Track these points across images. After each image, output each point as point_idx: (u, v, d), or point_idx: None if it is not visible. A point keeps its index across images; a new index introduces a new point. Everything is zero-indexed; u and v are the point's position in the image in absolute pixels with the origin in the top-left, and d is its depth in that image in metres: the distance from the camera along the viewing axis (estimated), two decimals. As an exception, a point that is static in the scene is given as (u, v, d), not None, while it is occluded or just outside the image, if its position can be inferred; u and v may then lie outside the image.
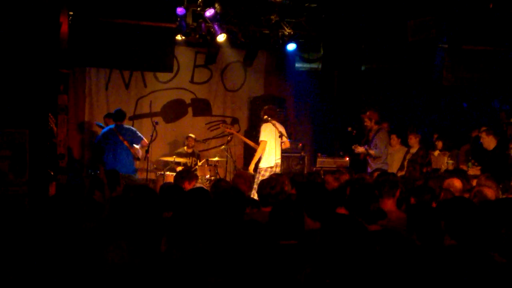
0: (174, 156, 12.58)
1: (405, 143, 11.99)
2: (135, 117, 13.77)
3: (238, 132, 14.37)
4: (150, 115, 13.13)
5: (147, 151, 11.09)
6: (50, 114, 7.93)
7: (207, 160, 12.79)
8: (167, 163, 12.65)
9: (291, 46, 13.02)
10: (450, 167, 11.22)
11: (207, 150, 14.23)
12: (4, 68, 7.24)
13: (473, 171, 10.23)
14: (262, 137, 10.57)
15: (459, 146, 11.99)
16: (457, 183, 7.25)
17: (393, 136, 12.14)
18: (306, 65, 14.74)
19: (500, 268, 3.75)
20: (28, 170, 7.00)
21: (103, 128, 11.93)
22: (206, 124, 14.45)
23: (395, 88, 14.31)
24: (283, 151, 10.97)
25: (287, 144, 10.70)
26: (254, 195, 8.26)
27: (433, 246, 4.36)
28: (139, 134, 11.41)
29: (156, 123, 11.76)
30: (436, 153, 12.08)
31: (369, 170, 11.47)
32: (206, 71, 14.51)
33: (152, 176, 12.35)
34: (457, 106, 13.68)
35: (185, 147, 13.19)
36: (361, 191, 5.37)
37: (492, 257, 3.91)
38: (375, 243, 3.86)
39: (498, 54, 11.89)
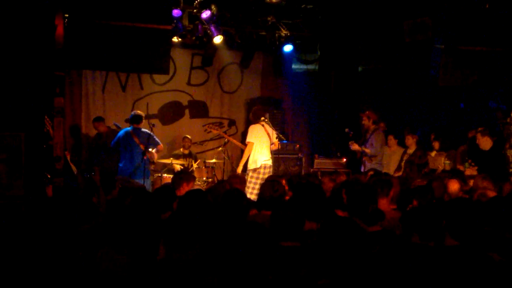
0: (171, 158, 12.57)
1: (402, 143, 11.99)
2: (132, 120, 13.73)
3: (235, 133, 14.38)
4: (147, 117, 13.08)
5: (143, 153, 11.03)
6: (46, 117, 7.92)
7: (204, 162, 12.78)
8: (164, 165, 12.64)
9: (288, 48, 12.99)
10: (447, 168, 11.22)
11: (204, 152, 14.21)
12: (-1, 71, 7.23)
13: (470, 171, 10.24)
14: (249, 138, 10.54)
15: (456, 147, 11.98)
16: (455, 185, 7.26)
17: (390, 137, 12.14)
18: (303, 66, 14.74)
19: (499, 268, 3.75)
20: (23, 173, 6.99)
21: (120, 128, 11.92)
22: (203, 126, 14.42)
23: (392, 88, 14.31)
24: (281, 152, 10.95)
25: (276, 145, 10.65)
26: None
27: (434, 246, 4.36)
28: (156, 138, 11.36)
29: (153, 125, 11.73)
30: (433, 153, 12.08)
31: (363, 169, 11.55)
32: (202, 73, 14.49)
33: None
34: (454, 107, 13.67)
35: (181, 149, 13.17)
36: (359, 193, 5.37)
37: (491, 257, 3.91)
38: (374, 244, 3.85)
39: (494, 55, 11.89)
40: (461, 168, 10.81)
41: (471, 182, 8.10)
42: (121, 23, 11.12)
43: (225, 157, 13.01)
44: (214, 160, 12.76)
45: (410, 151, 11.64)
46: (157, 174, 12.23)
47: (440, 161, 11.75)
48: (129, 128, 11.32)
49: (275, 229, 4.36)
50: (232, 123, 14.86)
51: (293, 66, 14.48)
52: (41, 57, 7.60)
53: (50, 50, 8.06)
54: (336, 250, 3.43)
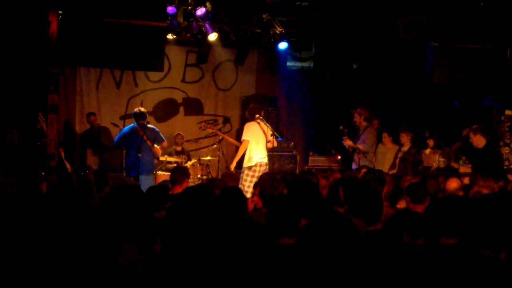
0: (166, 156, 12.55)
1: (396, 141, 11.99)
2: (126, 117, 13.71)
3: (229, 131, 14.37)
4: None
5: (138, 150, 11.03)
6: (40, 114, 7.89)
7: (199, 159, 12.77)
8: (158, 162, 12.62)
9: (283, 45, 13.00)
10: (442, 165, 11.24)
11: (199, 149, 14.19)
12: (-8, 68, 7.19)
13: (464, 169, 10.25)
14: (244, 136, 10.52)
15: (451, 144, 12.00)
16: (453, 183, 7.28)
17: (385, 135, 12.16)
18: (298, 64, 14.75)
19: (494, 265, 3.75)
20: (17, 170, 6.96)
21: (118, 127, 11.93)
22: (197, 123, 14.41)
23: (386, 86, 14.31)
24: (275, 150, 10.95)
25: (274, 143, 10.65)
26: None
27: (424, 245, 4.36)
28: (161, 135, 11.39)
29: (148, 122, 11.68)
30: (428, 151, 12.09)
31: (354, 166, 11.66)
32: (197, 70, 14.49)
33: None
34: (448, 104, 13.68)
35: (174, 145, 13.17)
36: (360, 192, 5.37)
37: (485, 254, 3.92)
38: (373, 242, 3.85)
39: (488, 53, 11.90)
40: (455, 165, 10.83)
41: (465, 180, 8.12)
42: (115, 20, 11.09)
43: (220, 155, 13.01)
44: (208, 158, 12.76)
45: (405, 148, 11.65)
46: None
47: (434, 159, 11.76)
48: (134, 125, 11.30)
49: (271, 226, 4.35)
50: (226, 120, 14.86)
51: (288, 64, 14.48)
52: (35, 54, 7.56)
53: (44, 47, 8.03)
54: (324, 246, 3.42)
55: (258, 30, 12.68)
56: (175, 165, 12.13)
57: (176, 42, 13.07)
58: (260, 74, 14.96)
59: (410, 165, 11.36)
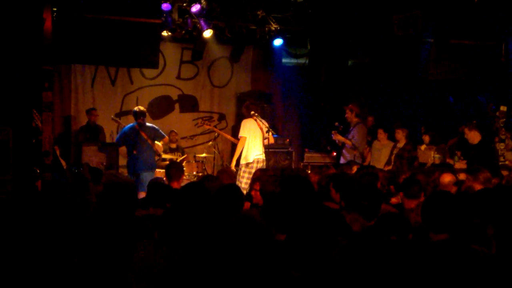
0: (162, 153, 12.54)
1: (392, 137, 12.01)
2: (121, 114, 13.70)
3: (225, 128, 14.36)
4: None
5: (133, 148, 11.05)
6: (35, 111, 7.87)
7: (194, 156, 12.76)
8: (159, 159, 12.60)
9: (278, 42, 13.01)
10: (437, 161, 11.25)
11: (194, 146, 14.19)
12: (-15, 66, 7.17)
13: (459, 165, 10.27)
14: (241, 133, 10.52)
15: (446, 141, 12.02)
16: (447, 178, 7.28)
17: (380, 131, 12.16)
18: (293, 60, 14.74)
19: (484, 260, 3.76)
20: (12, 168, 6.95)
21: (119, 122, 11.97)
22: (193, 120, 14.41)
23: (382, 82, 14.33)
24: (271, 147, 10.95)
25: (271, 139, 10.66)
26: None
27: (420, 241, 4.37)
28: (161, 132, 11.42)
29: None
30: (423, 147, 12.10)
31: (343, 161, 11.77)
32: (192, 67, 14.47)
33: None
34: (444, 101, 13.70)
35: (169, 143, 13.16)
36: (357, 188, 5.38)
37: (475, 249, 3.92)
38: (371, 239, 3.85)
39: (483, 48, 11.94)
40: (450, 161, 10.84)
41: (461, 176, 8.13)
42: (110, 17, 11.09)
43: (215, 151, 13.01)
44: (204, 155, 12.76)
45: (400, 145, 11.65)
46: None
47: (429, 155, 11.77)
48: (134, 123, 11.28)
49: (266, 222, 4.36)
50: (222, 117, 14.84)
51: (283, 60, 14.48)
52: (30, 51, 7.54)
53: (39, 44, 8.00)
54: (311, 241, 3.43)
55: (253, 27, 12.69)
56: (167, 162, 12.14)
57: (171, 39, 13.05)
58: (256, 71, 14.94)
59: (406, 161, 11.38)
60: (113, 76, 13.73)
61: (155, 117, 14.04)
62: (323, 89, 14.45)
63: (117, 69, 13.67)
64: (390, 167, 11.33)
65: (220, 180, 6.97)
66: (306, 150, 13.40)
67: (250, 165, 10.38)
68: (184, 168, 11.86)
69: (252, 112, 10.53)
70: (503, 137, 10.66)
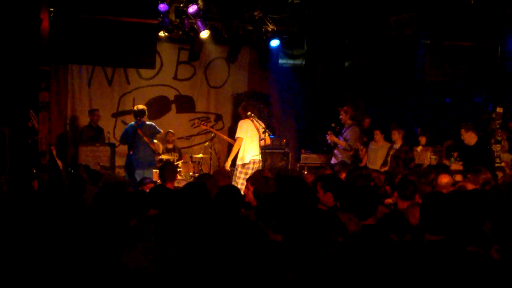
0: (161, 153, 12.56)
1: (388, 138, 12.02)
2: (118, 114, 13.71)
3: (221, 128, 14.36)
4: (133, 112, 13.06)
5: (130, 147, 11.12)
6: (31, 111, 7.88)
7: (191, 157, 12.76)
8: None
9: (275, 42, 13.01)
10: (433, 162, 11.26)
11: (191, 146, 14.19)
12: (-17, 66, 7.18)
13: (456, 166, 10.28)
14: (238, 133, 10.53)
15: (442, 142, 12.04)
16: (445, 179, 7.30)
17: (377, 132, 12.16)
18: (290, 61, 14.75)
19: (480, 261, 3.77)
20: (8, 168, 6.95)
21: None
22: (189, 120, 14.41)
23: (378, 83, 14.34)
24: (267, 147, 10.96)
25: (267, 140, 10.67)
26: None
27: (416, 241, 4.38)
28: (158, 128, 11.59)
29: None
30: (419, 148, 12.11)
31: (334, 161, 11.92)
32: (189, 68, 14.47)
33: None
34: (440, 102, 13.71)
35: (165, 143, 13.17)
36: (352, 188, 5.38)
37: (471, 251, 3.93)
38: (367, 238, 3.86)
39: (480, 50, 11.95)
40: (446, 162, 10.85)
41: (457, 177, 8.16)
42: (107, 17, 11.08)
43: (212, 152, 13.00)
44: (200, 155, 12.74)
45: (396, 146, 11.66)
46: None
47: (426, 156, 11.78)
48: (133, 123, 11.64)
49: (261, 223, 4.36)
50: (219, 117, 14.85)
51: (280, 61, 14.47)
52: (27, 51, 7.56)
53: (36, 44, 8.01)
54: (305, 242, 3.43)
55: (250, 28, 12.69)
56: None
57: (168, 39, 13.06)
58: (252, 72, 14.95)
59: (402, 162, 11.38)
60: (110, 76, 13.72)
61: (151, 117, 13.99)
62: (320, 90, 14.47)
63: (114, 69, 13.67)
64: (386, 168, 11.33)
65: (216, 181, 6.97)
66: (303, 151, 13.42)
67: (246, 166, 10.39)
68: (181, 169, 11.91)
69: (249, 113, 10.54)
70: (499, 138, 10.67)
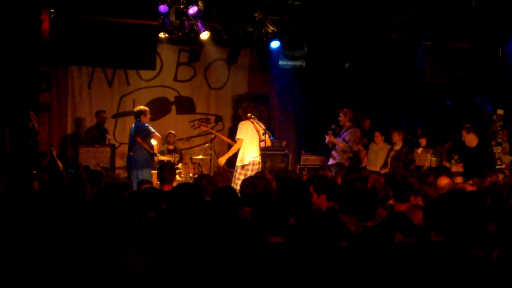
0: (158, 155, 12.54)
1: (388, 140, 12.02)
2: (118, 115, 13.71)
3: (221, 130, 14.36)
4: (133, 113, 13.06)
5: (130, 148, 11.15)
6: (32, 112, 7.87)
7: (191, 158, 12.76)
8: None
9: (275, 44, 13.01)
10: (433, 164, 11.27)
11: (191, 148, 14.18)
12: (-17, 66, 7.17)
13: (456, 168, 10.28)
14: (238, 135, 10.53)
15: (443, 143, 12.04)
16: (444, 181, 7.30)
17: (377, 134, 12.17)
18: (290, 63, 14.72)
19: (482, 263, 3.77)
20: (9, 169, 6.94)
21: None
22: (189, 122, 14.41)
23: (378, 85, 14.35)
24: (267, 149, 10.96)
25: (268, 142, 10.67)
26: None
27: (420, 242, 4.38)
28: (151, 129, 11.62)
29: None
30: (420, 150, 12.12)
31: (331, 162, 12.01)
32: (189, 69, 14.47)
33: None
34: (441, 104, 13.72)
35: (166, 144, 13.18)
36: (353, 191, 5.39)
37: (474, 253, 3.93)
38: (368, 240, 3.85)
39: (481, 52, 11.94)
40: (447, 164, 10.86)
41: (457, 179, 8.16)
42: (107, 19, 11.07)
43: (212, 153, 12.99)
44: (200, 156, 12.73)
45: (397, 147, 11.66)
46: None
47: (426, 158, 11.79)
48: (134, 124, 11.75)
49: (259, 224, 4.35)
50: (219, 119, 14.85)
51: (280, 63, 14.45)
52: (27, 52, 7.55)
53: (36, 45, 8.01)
54: (310, 245, 3.42)
55: (250, 29, 12.69)
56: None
57: (168, 40, 13.06)
58: (252, 73, 14.96)
59: (402, 164, 11.39)
60: (110, 77, 13.73)
61: (151, 118, 13.94)
62: (320, 91, 14.47)
63: (114, 70, 13.68)
64: (386, 170, 11.34)
65: (215, 182, 6.97)
66: (303, 152, 13.42)
67: (245, 167, 10.38)
68: (181, 170, 11.91)
69: (249, 114, 10.54)
70: (500, 140, 10.68)
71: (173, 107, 14.47)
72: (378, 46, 12.98)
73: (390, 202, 6.93)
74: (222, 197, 5.47)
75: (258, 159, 10.53)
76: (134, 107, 13.04)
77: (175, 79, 14.42)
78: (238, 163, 10.50)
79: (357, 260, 3.34)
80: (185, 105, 14.58)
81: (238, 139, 10.51)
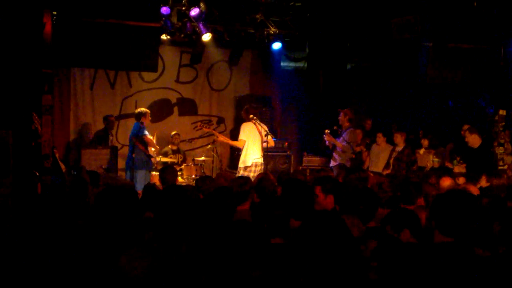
0: (160, 156, 12.56)
1: (390, 141, 12.03)
2: (120, 117, 13.72)
3: (224, 131, 14.36)
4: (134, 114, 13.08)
5: (132, 149, 11.16)
6: (34, 114, 7.88)
7: (193, 160, 12.77)
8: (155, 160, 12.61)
9: (277, 45, 13.01)
10: (436, 165, 11.28)
11: (193, 149, 14.20)
12: (-13, 69, 7.19)
13: (459, 169, 10.28)
14: (241, 136, 10.56)
15: (445, 144, 12.04)
16: (447, 181, 7.31)
17: (379, 135, 12.19)
18: (292, 64, 14.74)
19: (485, 263, 3.77)
20: (11, 171, 6.95)
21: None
22: (191, 123, 14.42)
23: (380, 86, 14.35)
24: (269, 150, 10.97)
25: (271, 143, 10.68)
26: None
27: (424, 243, 4.38)
28: (141, 131, 11.55)
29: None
30: (422, 151, 12.12)
31: (332, 163, 11.89)
32: (191, 71, 14.48)
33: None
34: (443, 104, 13.72)
35: (170, 145, 13.19)
36: (355, 192, 5.39)
37: (479, 253, 3.93)
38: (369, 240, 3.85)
39: (482, 52, 11.94)
40: (449, 165, 10.86)
41: (460, 180, 8.16)
42: (109, 21, 11.10)
43: (214, 155, 13.01)
44: (203, 158, 12.75)
45: (399, 148, 11.67)
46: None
47: (428, 159, 11.80)
48: None
49: (259, 226, 4.35)
50: (221, 120, 14.86)
51: (282, 64, 14.47)
52: (29, 54, 7.57)
53: (38, 47, 8.02)
54: (318, 247, 3.43)
55: (252, 31, 12.69)
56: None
57: (170, 42, 13.06)
58: (254, 75, 14.97)
59: (404, 165, 11.39)
60: (112, 79, 13.74)
61: (153, 120, 13.99)
62: (322, 92, 14.48)
63: (116, 72, 13.68)
64: (388, 171, 11.35)
65: (217, 184, 6.97)
66: (305, 153, 13.43)
67: (248, 169, 10.40)
68: (183, 171, 11.92)
69: (251, 116, 10.55)
70: (502, 141, 10.68)
71: (175, 109, 14.48)
72: (380, 47, 12.99)
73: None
74: (218, 198, 5.46)
75: (261, 160, 10.54)
76: (136, 109, 13.07)
77: (177, 80, 14.43)
78: (241, 165, 10.51)
79: (360, 262, 3.35)
80: (187, 107, 14.59)
81: (240, 140, 10.54)
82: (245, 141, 10.47)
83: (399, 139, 11.72)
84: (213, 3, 11.88)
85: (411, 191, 6.28)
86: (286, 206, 4.55)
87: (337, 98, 13.96)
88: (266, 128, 10.62)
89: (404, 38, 11.39)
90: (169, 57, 14.08)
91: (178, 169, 11.17)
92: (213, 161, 13.09)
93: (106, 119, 12.73)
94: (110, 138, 12.71)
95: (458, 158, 10.64)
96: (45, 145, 8.34)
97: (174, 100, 14.46)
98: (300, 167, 12.99)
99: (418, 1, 11.20)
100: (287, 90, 15.06)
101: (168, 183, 7.54)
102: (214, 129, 13.57)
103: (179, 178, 11.31)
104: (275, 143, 12.16)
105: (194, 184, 11.28)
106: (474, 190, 6.65)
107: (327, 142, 12.16)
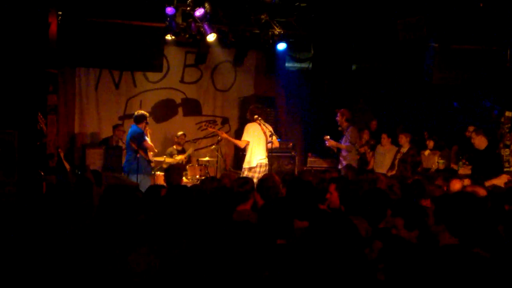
0: (165, 157, 12.56)
1: (395, 142, 12.01)
2: (125, 117, 13.72)
3: (228, 132, 14.35)
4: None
5: (136, 151, 11.12)
6: (39, 114, 7.89)
7: (197, 160, 12.77)
8: (157, 163, 12.61)
9: (281, 46, 13.01)
10: (441, 167, 11.25)
11: (197, 150, 14.19)
12: (-8, 68, 7.20)
13: (464, 170, 10.26)
14: (245, 136, 10.51)
15: (450, 146, 12.01)
16: (457, 184, 7.30)
17: (384, 136, 12.18)
18: (297, 65, 14.74)
19: (487, 264, 3.75)
20: (17, 170, 6.95)
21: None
22: (196, 124, 14.42)
23: (385, 87, 14.33)
24: (274, 151, 10.95)
25: (275, 143, 10.65)
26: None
27: (429, 245, 4.36)
28: (135, 133, 11.41)
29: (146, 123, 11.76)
30: (427, 152, 12.10)
31: (340, 166, 11.83)
32: (196, 71, 14.48)
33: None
34: (448, 106, 13.69)
35: (175, 145, 13.19)
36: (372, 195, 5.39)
37: (478, 253, 3.91)
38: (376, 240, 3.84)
39: (488, 53, 11.91)
40: (454, 167, 10.83)
41: (465, 181, 8.14)
42: (114, 21, 11.11)
43: (218, 155, 12.99)
44: (207, 158, 12.75)
45: (404, 150, 11.65)
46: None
47: (433, 160, 11.78)
48: None
49: (263, 227, 4.34)
50: (225, 121, 14.86)
51: (287, 65, 14.47)
52: (35, 54, 7.57)
53: (44, 47, 8.03)
54: (327, 248, 3.41)
55: (257, 31, 12.69)
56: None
57: (175, 42, 13.08)
58: (259, 75, 14.97)
59: (409, 166, 11.37)
60: (117, 79, 13.75)
61: (158, 120, 14.07)
62: (327, 93, 14.46)
63: (121, 72, 13.69)
64: (393, 172, 11.33)
65: (221, 185, 6.96)
66: (309, 154, 13.41)
67: (253, 170, 10.37)
68: (187, 172, 11.92)
69: (256, 116, 10.52)
70: (508, 143, 10.65)
71: (180, 109, 14.49)
72: (385, 48, 12.97)
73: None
74: (217, 198, 5.46)
75: (265, 161, 10.51)
76: (140, 109, 13.07)
77: (181, 81, 14.43)
78: (245, 165, 10.48)
79: (369, 263, 3.34)
80: (192, 107, 14.59)
81: (243, 141, 10.51)
82: (247, 142, 10.43)
83: (404, 140, 11.70)
84: (218, 4, 11.88)
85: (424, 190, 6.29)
86: (291, 207, 4.54)
87: (341, 99, 13.93)
88: (271, 129, 10.58)
89: (409, 39, 11.37)
90: (174, 57, 14.09)
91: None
92: (217, 162, 13.07)
93: (118, 128, 12.69)
94: (115, 138, 12.69)
95: (463, 160, 10.61)
96: (50, 145, 8.36)
97: (178, 101, 14.46)
98: (305, 168, 12.97)
99: (424, 2, 11.17)
100: (291, 90, 15.06)
101: (173, 183, 7.53)
102: (218, 130, 13.56)
103: (184, 179, 11.30)
104: (280, 143, 12.14)
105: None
106: (482, 192, 6.61)
107: (331, 147, 12.15)
